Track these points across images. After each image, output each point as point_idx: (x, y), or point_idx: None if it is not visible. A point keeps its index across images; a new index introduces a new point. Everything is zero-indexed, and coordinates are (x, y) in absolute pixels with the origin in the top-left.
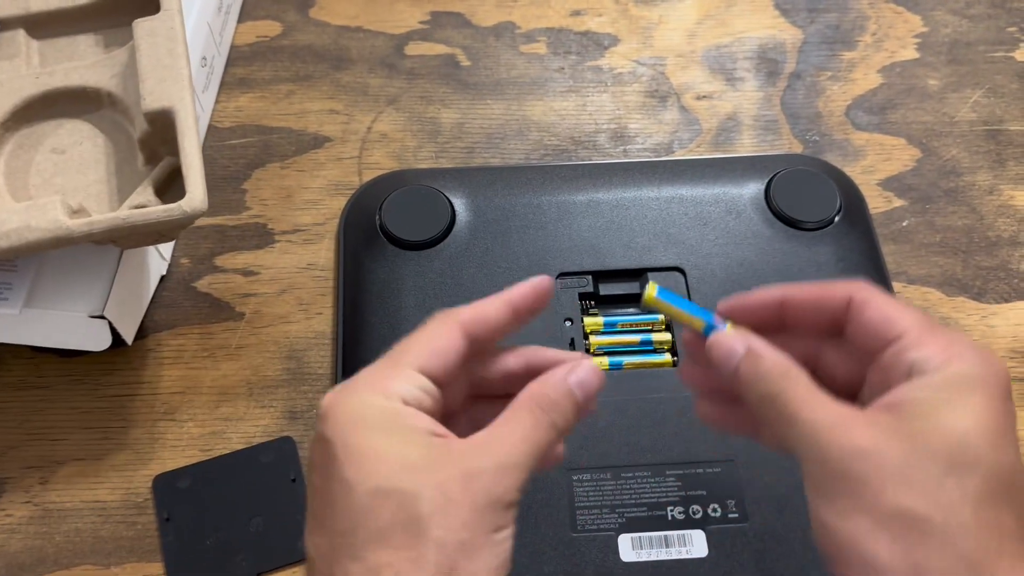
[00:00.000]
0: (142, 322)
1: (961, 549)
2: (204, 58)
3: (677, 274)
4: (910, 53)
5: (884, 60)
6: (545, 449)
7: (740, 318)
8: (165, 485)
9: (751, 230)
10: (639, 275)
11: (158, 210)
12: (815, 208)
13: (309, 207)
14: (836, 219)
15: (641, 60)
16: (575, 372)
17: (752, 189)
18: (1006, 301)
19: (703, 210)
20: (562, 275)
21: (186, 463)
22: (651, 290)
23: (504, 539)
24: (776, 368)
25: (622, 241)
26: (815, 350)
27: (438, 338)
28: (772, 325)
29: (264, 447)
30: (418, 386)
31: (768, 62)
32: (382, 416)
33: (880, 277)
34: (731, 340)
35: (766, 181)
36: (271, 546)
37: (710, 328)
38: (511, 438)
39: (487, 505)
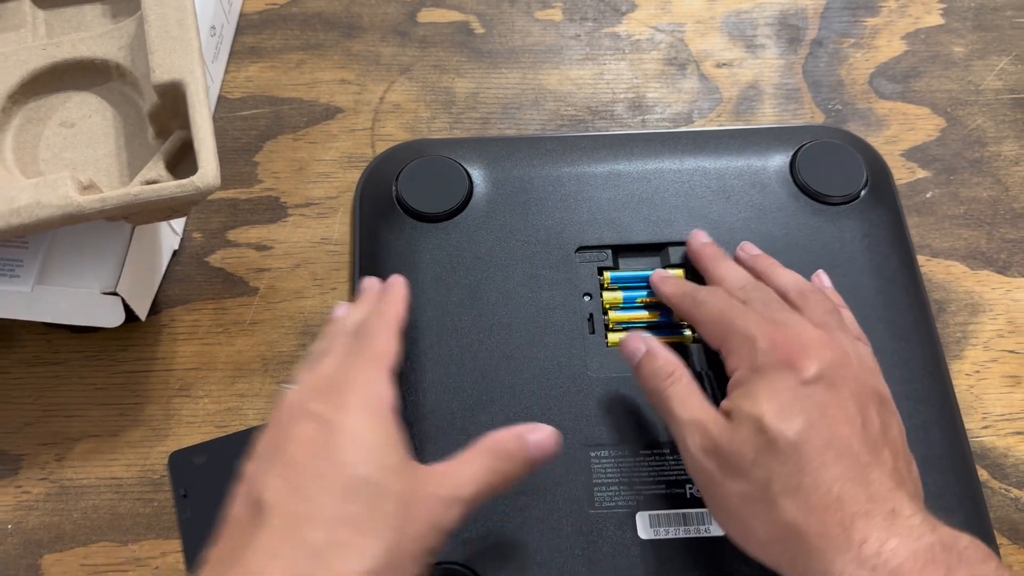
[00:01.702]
0: (155, 298)
1: (777, 514)
2: (213, 27)
3: None
4: (935, 19)
5: (908, 26)
6: (492, 493)
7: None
8: (181, 461)
9: (775, 204)
10: (660, 249)
11: (170, 186)
12: (841, 182)
13: (322, 180)
14: (862, 193)
15: (659, 27)
16: (535, 432)
17: (777, 162)
18: None
19: (726, 183)
20: (581, 249)
21: (202, 439)
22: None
23: (429, 561)
24: (664, 369)
25: (642, 214)
26: None
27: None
28: None
29: None
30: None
31: (789, 28)
32: (381, 413)
33: (905, 252)
34: (635, 340)
35: (791, 153)
36: None
37: None
38: (465, 475)
39: (432, 528)
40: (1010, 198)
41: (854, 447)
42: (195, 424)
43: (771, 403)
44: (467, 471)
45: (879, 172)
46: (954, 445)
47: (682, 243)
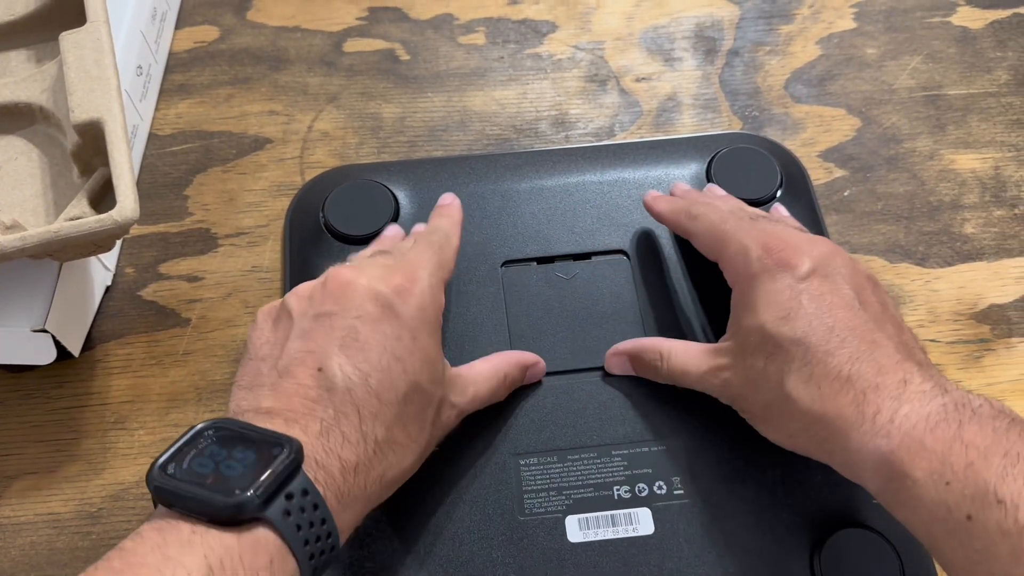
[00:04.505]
0: (89, 333)
1: (796, 407)
2: (139, 67)
3: (621, 257)
4: (847, 23)
5: (822, 31)
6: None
7: None
8: None
9: None
10: (585, 259)
11: (90, 221)
12: (756, 185)
13: (252, 210)
14: (778, 194)
15: (580, 45)
16: (535, 368)
17: (693, 169)
18: (949, 265)
19: (646, 192)
20: (507, 263)
21: (138, 471)
22: None
23: None
24: (651, 358)
25: (566, 226)
26: None
27: None
28: None
29: None
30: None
31: (706, 40)
32: (436, 321)
33: None
34: (614, 359)
35: (707, 161)
36: None
37: None
38: (476, 392)
39: (446, 428)
40: (926, 192)
41: (857, 328)
42: (131, 456)
43: (770, 309)
44: (479, 389)
45: (794, 173)
46: None
47: (604, 252)
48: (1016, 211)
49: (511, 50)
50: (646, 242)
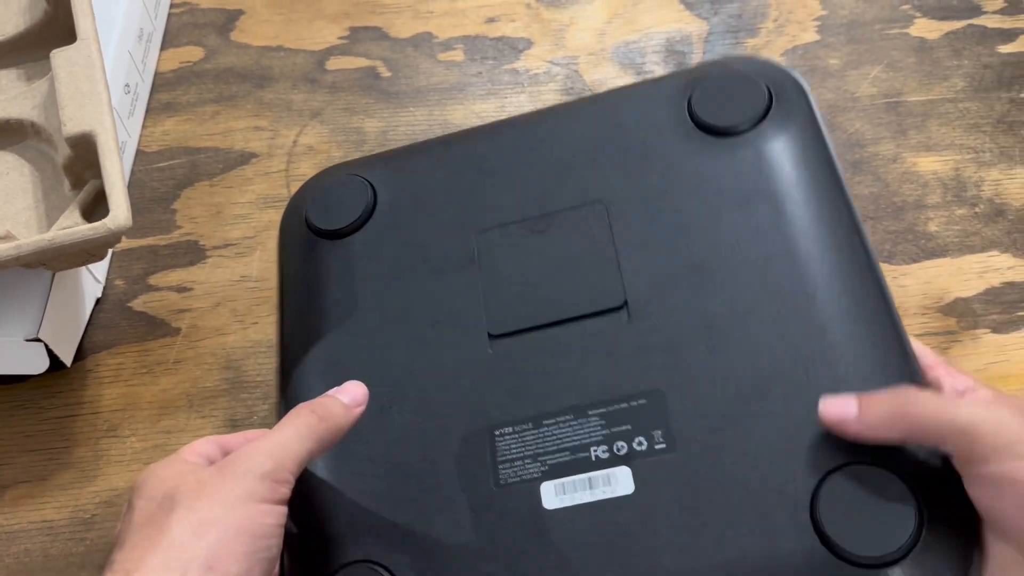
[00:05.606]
0: (80, 344)
1: None
2: (127, 85)
3: (598, 206)
4: (811, 36)
5: (786, 44)
6: (320, 446)
7: None
8: None
9: (674, 149)
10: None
11: (83, 229)
12: (741, 109)
13: (239, 221)
14: (768, 114)
15: (555, 60)
16: (341, 390)
17: (672, 107)
18: (915, 262)
19: (621, 139)
20: (485, 231)
21: (132, 477)
22: None
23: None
24: (895, 394)
25: (542, 186)
26: None
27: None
28: None
29: None
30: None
31: (676, 54)
32: None
33: (828, 163)
34: (840, 400)
35: (687, 96)
36: None
37: None
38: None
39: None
40: (890, 193)
41: None
42: (124, 462)
43: None
44: (290, 447)
45: (786, 87)
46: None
47: (582, 205)
48: (976, 210)
49: (489, 66)
50: (624, 190)
